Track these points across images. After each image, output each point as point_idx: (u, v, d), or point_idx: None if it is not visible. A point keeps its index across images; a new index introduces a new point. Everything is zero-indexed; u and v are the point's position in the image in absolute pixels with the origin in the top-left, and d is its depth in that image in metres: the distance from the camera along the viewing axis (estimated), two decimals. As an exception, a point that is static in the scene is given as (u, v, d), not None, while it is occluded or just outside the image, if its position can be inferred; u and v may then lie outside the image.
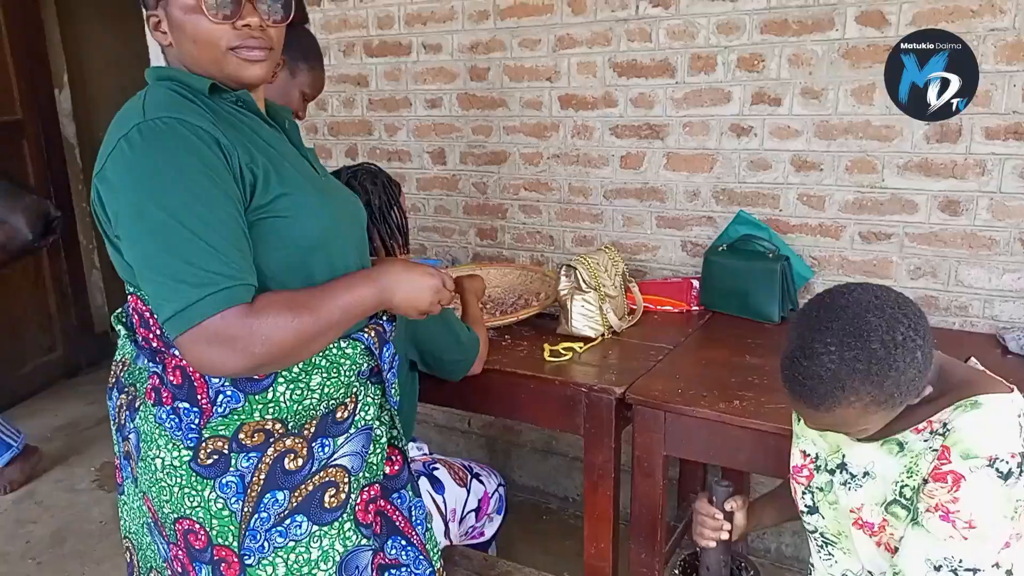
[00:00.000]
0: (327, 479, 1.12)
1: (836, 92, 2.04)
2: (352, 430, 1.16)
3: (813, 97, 2.07)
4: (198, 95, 1.06)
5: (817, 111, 2.08)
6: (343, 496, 1.13)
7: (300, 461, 1.10)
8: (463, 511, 1.76)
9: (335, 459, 1.13)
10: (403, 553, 1.26)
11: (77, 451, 3.29)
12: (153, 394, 1.08)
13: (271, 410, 1.08)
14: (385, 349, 1.20)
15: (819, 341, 0.98)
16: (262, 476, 1.07)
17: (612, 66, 2.32)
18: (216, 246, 0.96)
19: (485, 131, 2.58)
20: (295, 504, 1.09)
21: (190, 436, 1.06)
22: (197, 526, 1.07)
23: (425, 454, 1.78)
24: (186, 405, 1.06)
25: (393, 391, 1.23)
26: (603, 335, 1.98)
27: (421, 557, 1.27)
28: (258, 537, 1.07)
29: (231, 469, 1.06)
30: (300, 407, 1.09)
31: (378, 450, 1.21)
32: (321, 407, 1.12)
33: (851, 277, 2.13)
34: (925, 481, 1.03)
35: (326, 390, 1.12)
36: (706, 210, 2.29)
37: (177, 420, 1.06)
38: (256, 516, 1.07)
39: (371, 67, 2.75)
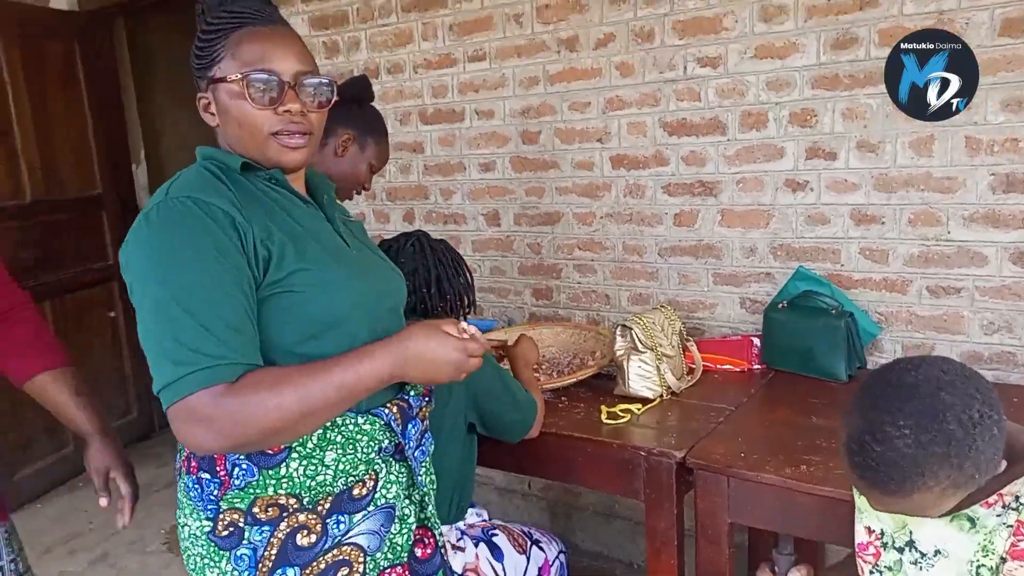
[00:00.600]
0: (341, 557, 1.09)
1: (893, 145, 2.01)
2: (371, 507, 1.13)
3: (869, 150, 2.04)
4: (231, 172, 1.10)
5: (874, 164, 2.04)
6: None
7: (313, 537, 1.08)
8: (522, 580, 1.73)
9: (350, 537, 1.11)
10: None
11: (149, 512, 3.37)
12: (186, 463, 1.12)
13: (284, 485, 1.07)
14: (411, 426, 1.17)
15: (891, 424, 0.94)
16: (274, 551, 1.07)
17: (662, 125, 2.34)
18: (208, 325, 0.96)
19: (538, 192, 2.62)
20: None
21: (209, 507, 1.08)
22: None
23: (484, 520, 1.76)
24: (207, 476, 1.08)
25: (422, 471, 1.20)
26: (661, 396, 1.94)
27: None
28: None
29: (244, 542, 1.07)
30: (314, 483, 1.08)
31: (404, 530, 1.17)
32: (338, 483, 1.10)
33: (921, 333, 2.05)
34: (1003, 560, 0.97)
35: (341, 467, 1.10)
36: (764, 266, 2.25)
37: (200, 490, 1.08)
38: None
39: (426, 134, 2.83)
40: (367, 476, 1.13)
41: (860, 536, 1.18)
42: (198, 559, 1.09)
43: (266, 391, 0.97)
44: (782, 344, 2.10)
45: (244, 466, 1.06)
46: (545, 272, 2.67)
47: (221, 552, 1.07)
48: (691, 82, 2.26)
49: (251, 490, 1.07)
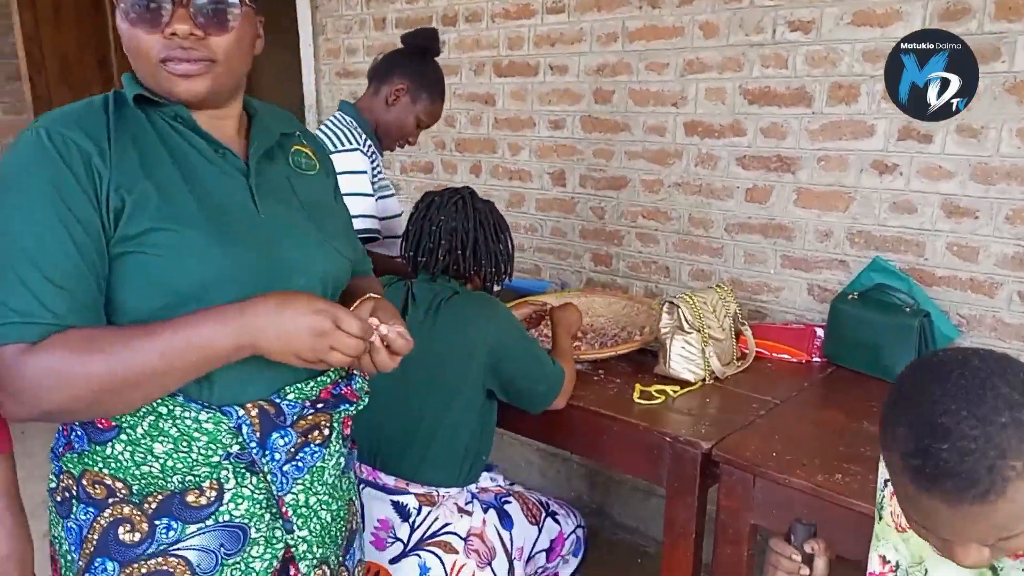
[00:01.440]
0: (164, 568, 0.96)
1: (999, 131, 1.79)
2: (210, 521, 0.97)
3: (971, 135, 1.83)
4: (122, 104, 0.96)
5: (975, 151, 1.83)
6: None
7: (138, 536, 0.96)
8: (532, 550, 1.69)
9: (178, 548, 0.96)
10: None
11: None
12: None
13: (111, 466, 0.96)
14: (276, 435, 0.99)
15: (943, 413, 0.79)
16: (95, 536, 0.96)
17: (743, 93, 2.17)
18: (24, 277, 0.85)
19: (606, 155, 2.51)
20: None
21: (54, 463, 1.00)
22: (57, 556, 1.03)
23: (499, 485, 1.72)
24: (58, 432, 1.01)
25: (291, 496, 1.01)
26: (704, 380, 1.84)
27: None
28: None
29: (72, 515, 0.98)
30: (139, 472, 0.95)
31: (266, 555, 1.01)
32: (171, 482, 0.96)
33: (1006, 343, 1.86)
34: None
35: (170, 463, 0.95)
36: (838, 253, 2.08)
37: (55, 442, 1.02)
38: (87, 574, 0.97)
39: (499, 86, 2.75)
40: (207, 484, 0.97)
41: (873, 565, 1.07)
42: (51, 511, 1.03)
43: (72, 354, 0.85)
44: (847, 338, 1.95)
45: (79, 432, 0.97)
46: (606, 238, 2.57)
47: (58, 516, 1.00)
48: (779, 47, 2.09)
49: (84, 459, 0.97)
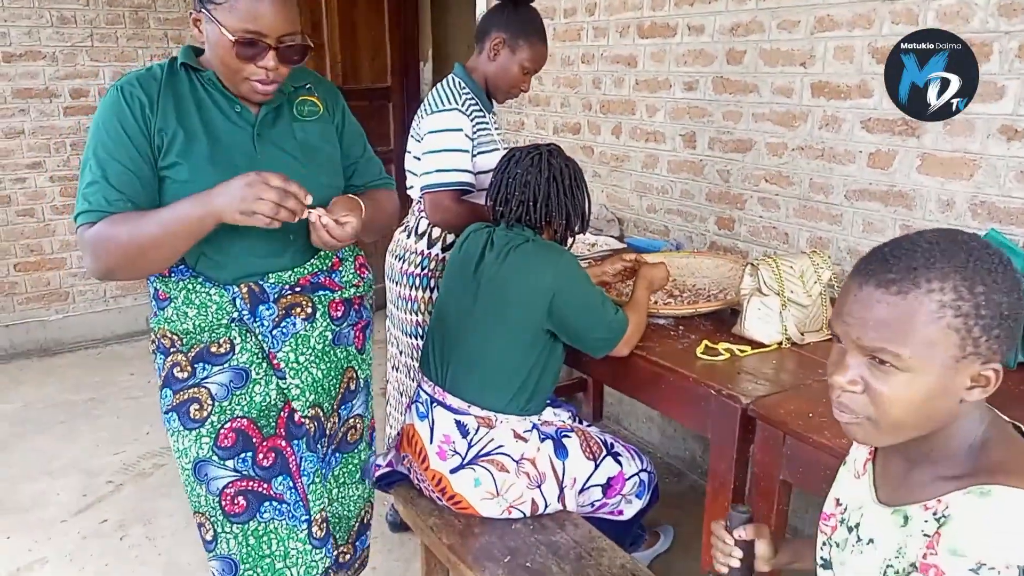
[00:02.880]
0: (195, 395, 1.41)
1: None
2: (226, 365, 1.42)
3: (1114, 97, 1.63)
4: (174, 68, 1.37)
5: (1118, 115, 1.63)
6: (204, 414, 1.41)
7: (184, 374, 1.42)
8: (585, 483, 1.83)
9: (206, 381, 1.41)
10: (288, 492, 1.47)
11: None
12: None
13: (168, 324, 1.42)
14: (262, 307, 1.41)
15: (916, 235, 0.86)
16: (163, 373, 1.45)
17: (871, 51, 2.06)
18: (97, 179, 1.29)
19: (735, 117, 2.49)
20: (175, 404, 1.42)
21: (151, 325, 1.47)
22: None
23: (563, 421, 1.87)
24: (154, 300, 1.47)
25: (283, 353, 1.42)
26: (780, 343, 1.84)
27: (301, 502, 1.47)
28: (163, 413, 1.45)
29: (156, 358, 1.46)
30: (182, 328, 1.41)
31: (264, 392, 1.43)
32: (202, 337, 1.41)
33: None
34: (914, 567, 0.87)
35: (198, 323, 1.41)
36: (959, 224, 1.94)
37: (150, 313, 1.49)
38: (161, 400, 1.45)
39: (640, 48, 2.80)
40: (223, 339, 1.42)
41: (828, 505, 1.10)
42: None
43: (109, 226, 1.28)
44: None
45: (153, 304, 1.45)
46: (731, 201, 2.56)
47: (153, 359, 1.49)
48: (911, 2, 1.96)
49: (158, 320, 1.45)
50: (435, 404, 1.82)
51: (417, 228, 2.17)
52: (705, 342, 1.84)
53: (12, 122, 3.82)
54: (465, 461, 1.75)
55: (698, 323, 2.00)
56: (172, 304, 1.41)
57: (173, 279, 1.41)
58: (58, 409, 3.40)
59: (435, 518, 1.81)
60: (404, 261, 2.18)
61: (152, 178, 1.33)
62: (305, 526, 1.49)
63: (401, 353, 2.27)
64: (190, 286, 1.41)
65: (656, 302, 2.04)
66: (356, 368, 1.63)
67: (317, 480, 1.51)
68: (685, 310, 2.00)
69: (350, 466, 1.68)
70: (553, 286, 1.70)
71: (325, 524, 1.53)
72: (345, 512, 1.70)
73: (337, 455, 1.64)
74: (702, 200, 2.66)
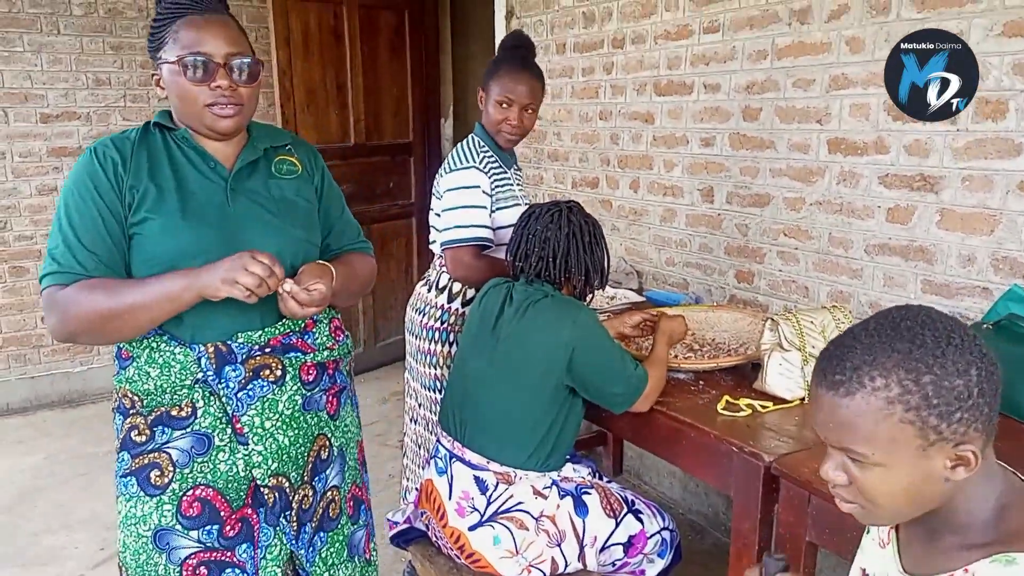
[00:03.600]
0: (156, 460, 1.36)
1: None
2: (188, 430, 1.36)
3: None
4: (149, 129, 1.39)
5: None
6: (165, 480, 1.35)
7: (142, 438, 1.37)
8: (606, 541, 1.80)
9: (167, 446, 1.36)
10: (249, 563, 1.41)
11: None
12: None
13: (129, 384, 1.37)
14: (228, 368, 1.35)
15: (868, 324, 0.86)
16: (121, 436, 1.40)
17: (886, 109, 2.09)
18: (68, 242, 1.29)
19: (752, 172, 2.51)
20: (133, 468, 1.37)
21: (114, 382, 1.43)
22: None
23: (583, 477, 1.85)
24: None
25: (247, 418, 1.36)
26: (802, 399, 1.82)
27: (252, 574, 1.41)
28: (118, 477, 1.39)
29: (114, 420, 1.43)
30: (143, 389, 1.36)
31: (219, 458, 1.37)
32: (164, 398, 1.36)
33: None
34: None
35: (159, 383, 1.35)
36: (982, 279, 1.93)
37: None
38: (117, 463, 1.40)
39: (658, 105, 2.85)
40: (185, 402, 1.36)
41: (854, 574, 1.08)
42: None
43: (85, 292, 1.28)
44: (979, 372, 1.81)
45: (116, 362, 1.41)
46: (749, 255, 2.57)
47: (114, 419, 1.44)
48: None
49: (119, 378, 1.40)
50: (454, 459, 1.81)
51: (438, 283, 2.20)
52: (726, 397, 1.83)
53: (46, 179, 3.93)
54: (484, 518, 1.74)
55: (719, 378, 1.99)
56: (134, 363, 1.37)
57: (137, 338, 1.37)
58: (79, 461, 3.42)
59: (454, 576, 1.79)
60: (424, 315, 2.20)
61: (122, 238, 1.33)
62: None
63: (420, 406, 2.27)
64: (154, 344, 1.36)
65: (676, 356, 2.03)
66: (328, 435, 1.52)
67: (269, 558, 1.42)
68: (706, 364, 1.99)
69: (336, 544, 1.55)
70: (572, 341, 1.70)
71: None
72: None
73: (321, 535, 1.52)
74: (721, 253, 2.67)
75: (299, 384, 1.45)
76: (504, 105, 2.13)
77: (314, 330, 1.49)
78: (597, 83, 3.14)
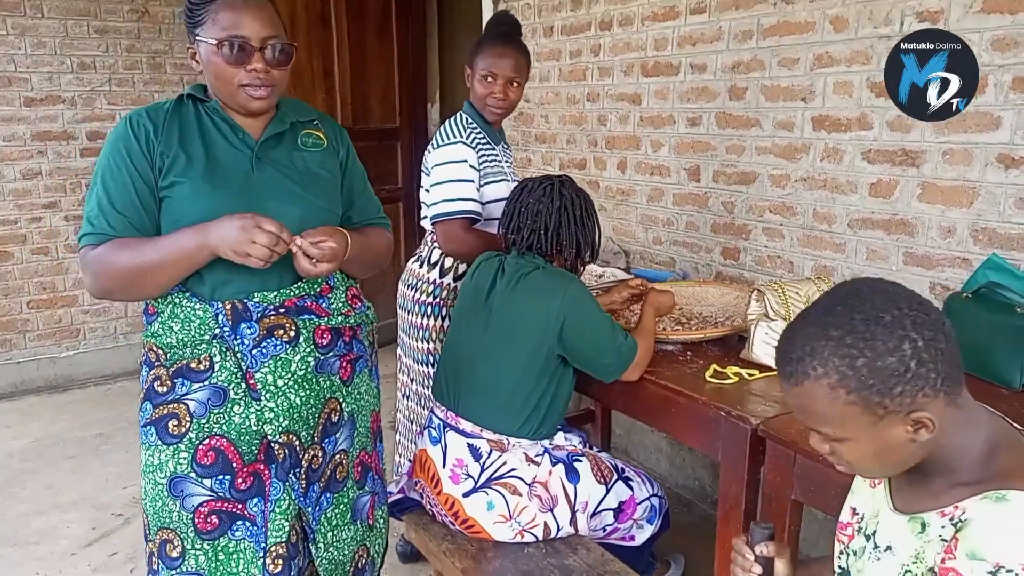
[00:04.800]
0: (174, 411, 1.42)
1: None
2: (206, 383, 1.43)
3: (1106, 124, 1.68)
4: (182, 100, 1.47)
5: (1111, 141, 1.68)
6: (182, 430, 1.42)
7: (164, 388, 1.43)
8: (597, 507, 1.84)
9: (185, 397, 1.42)
10: (260, 516, 1.47)
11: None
12: None
13: (154, 338, 1.45)
14: (244, 325, 1.41)
15: (812, 309, 0.93)
16: (145, 386, 1.47)
17: (870, 86, 2.13)
18: (101, 204, 1.38)
19: (738, 150, 2.55)
20: (153, 418, 1.43)
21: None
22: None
23: (574, 446, 1.89)
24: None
25: (260, 374, 1.41)
26: (788, 368, 1.86)
27: (262, 527, 1.46)
28: (140, 427, 1.47)
29: (141, 373, 1.50)
30: (167, 342, 1.43)
31: (233, 411, 1.43)
32: (185, 352, 1.42)
33: None
34: (933, 572, 0.89)
35: (181, 337, 1.42)
36: (961, 250, 1.98)
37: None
38: (140, 412, 1.47)
39: (645, 86, 2.89)
40: (203, 356, 1.43)
41: (844, 515, 1.12)
42: None
43: (111, 250, 1.36)
44: (958, 339, 1.86)
45: (144, 318, 1.49)
46: (735, 232, 2.61)
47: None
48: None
49: (146, 333, 1.48)
50: (448, 429, 1.84)
51: (430, 258, 2.22)
52: (714, 366, 1.87)
53: (30, 164, 3.91)
54: (478, 484, 1.77)
55: (706, 349, 2.03)
56: (159, 318, 1.44)
57: (162, 295, 1.45)
58: (68, 444, 3.41)
59: (448, 543, 1.82)
60: (416, 290, 2.23)
61: (153, 203, 1.41)
62: (262, 554, 1.47)
63: (412, 381, 2.30)
64: (176, 300, 1.43)
65: (665, 328, 2.07)
66: (340, 400, 1.56)
67: (278, 511, 1.46)
68: (694, 335, 2.03)
69: (340, 506, 1.59)
70: (563, 312, 1.73)
71: (280, 561, 1.47)
72: (340, 556, 1.61)
73: (327, 495, 1.56)
74: (707, 231, 2.71)
75: (312, 347, 1.49)
76: (489, 79, 2.16)
77: (330, 295, 1.54)
78: (584, 65, 3.17)
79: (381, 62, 4.42)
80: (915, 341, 0.86)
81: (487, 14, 3.70)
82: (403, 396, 2.36)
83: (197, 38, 1.40)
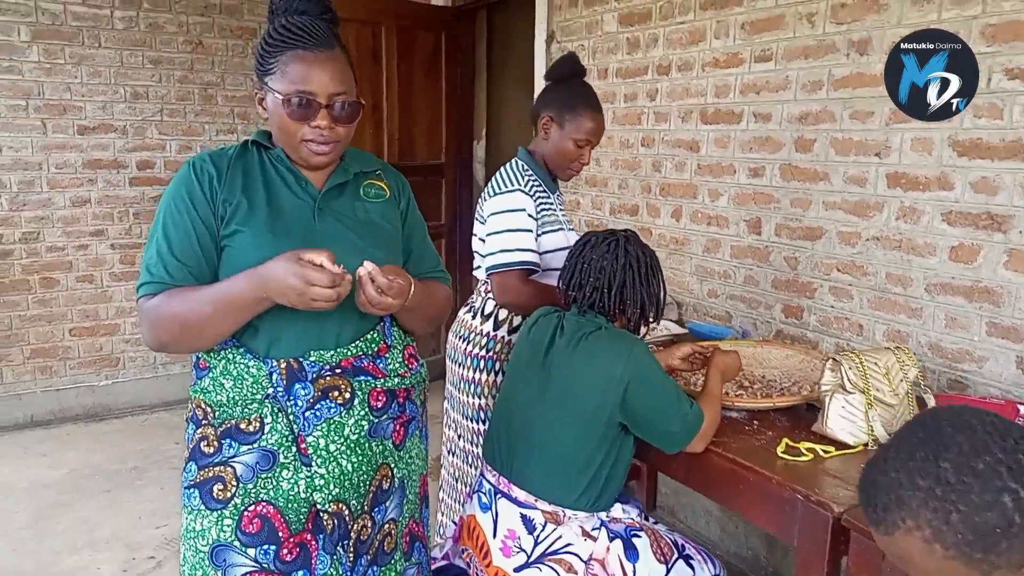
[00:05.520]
0: (220, 474, 1.34)
1: None
2: (255, 445, 1.35)
3: None
4: (246, 145, 1.43)
5: None
6: (228, 495, 1.33)
7: (211, 449, 1.36)
8: (657, 587, 1.72)
9: (233, 460, 1.34)
10: None
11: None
12: None
13: (204, 395, 1.38)
14: (298, 386, 1.34)
15: (891, 447, 0.85)
16: (191, 446, 1.39)
17: (952, 144, 2.02)
18: (161, 251, 1.32)
19: (803, 204, 2.44)
20: (198, 480, 1.35)
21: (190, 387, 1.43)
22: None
23: (632, 518, 1.77)
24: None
25: (312, 438, 1.34)
26: (866, 444, 1.74)
27: None
28: (183, 488, 1.39)
29: (187, 429, 1.42)
30: (216, 400, 1.36)
31: (282, 476, 1.34)
32: (235, 411, 1.35)
33: None
34: None
35: (233, 395, 1.35)
36: (1054, 324, 1.85)
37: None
38: (184, 473, 1.39)
39: (704, 133, 2.80)
40: (254, 416, 1.35)
41: None
42: None
43: (166, 300, 1.30)
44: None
45: (194, 371, 1.41)
46: (799, 289, 2.49)
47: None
48: (993, 96, 1.92)
49: (195, 388, 1.41)
50: (499, 495, 1.74)
51: (483, 309, 2.14)
52: (786, 440, 1.75)
53: (80, 191, 3.93)
54: (531, 559, 1.66)
55: (773, 418, 1.91)
56: (210, 374, 1.38)
57: (215, 348, 1.39)
58: (103, 477, 3.37)
59: (496, 619, 1.71)
60: (468, 342, 2.14)
61: (214, 250, 1.36)
62: None
63: (460, 437, 2.20)
64: (229, 356, 1.37)
65: (728, 393, 1.96)
66: (391, 466, 1.49)
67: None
68: (761, 404, 1.91)
69: None
70: (626, 376, 1.64)
71: None
72: None
73: (375, 568, 1.48)
74: (768, 287, 2.60)
75: (367, 409, 1.42)
76: (582, 145, 2.10)
77: (387, 355, 1.47)
78: (640, 110, 3.10)
79: (429, 99, 4.41)
80: (1015, 492, 0.77)
81: (539, 55, 3.66)
82: (448, 452, 2.27)
83: (266, 86, 1.36)
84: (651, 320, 1.82)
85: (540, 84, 3.71)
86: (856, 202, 2.28)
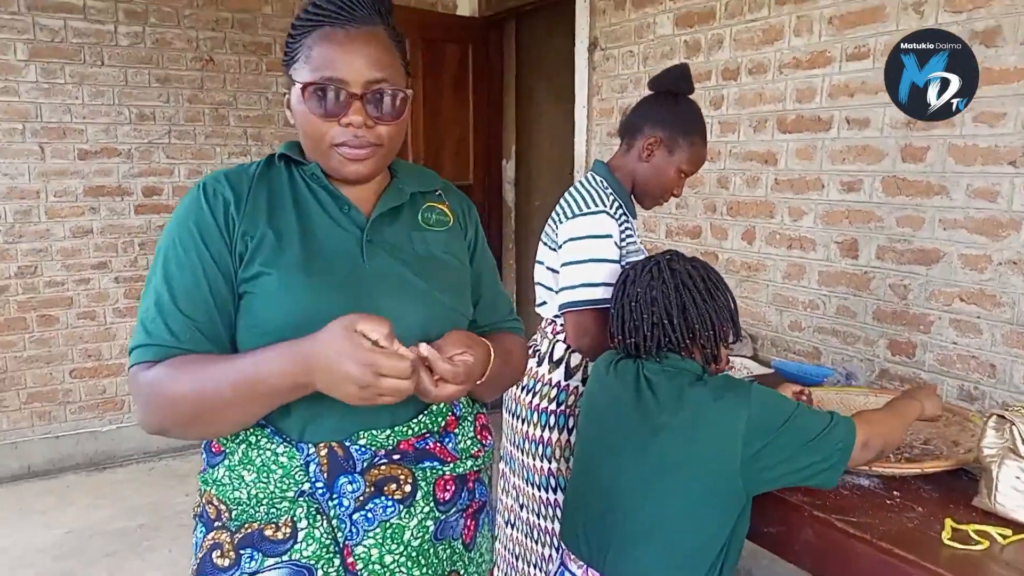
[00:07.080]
0: None
1: None
2: (285, 558, 1.00)
3: None
4: (275, 162, 1.10)
5: None
6: None
7: (227, 562, 1.02)
8: None
9: None
10: None
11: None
12: None
13: (216, 488, 1.04)
14: (343, 478, 1.01)
15: None
16: (200, 555, 1.05)
17: (1116, 148, 1.68)
18: (160, 303, 0.99)
19: (914, 223, 2.09)
20: None
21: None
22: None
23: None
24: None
25: (362, 549, 1.01)
26: (1049, 525, 1.38)
27: None
28: None
29: (195, 532, 1.09)
30: (233, 497, 1.02)
31: None
32: (258, 512, 1.01)
33: None
34: None
35: (255, 491, 1.01)
36: None
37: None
38: None
39: (781, 144, 2.46)
40: (283, 520, 1.01)
41: None
42: None
43: (172, 373, 0.95)
44: None
45: (204, 455, 1.08)
46: (909, 322, 2.13)
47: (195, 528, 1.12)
48: None
49: (205, 479, 1.06)
50: (590, 596, 1.38)
51: (551, 354, 1.79)
52: (949, 522, 1.39)
53: (81, 221, 3.63)
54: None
55: (917, 488, 1.55)
56: (226, 462, 1.04)
57: None
58: (107, 538, 3.02)
59: None
60: (534, 394, 1.79)
61: (230, 300, 1.02)
62: None
63: (522, 508, 1.84)
64: (252, 440, 1.04)
65: (858, 457, 1.60)
66: (461, 572, 1.15)
67: None
68: (906, 469, 1.55)
69: None
70: (750, 425, 1.29)
71: None
72: None
73: None
74: (868, 319, 2.24)
75: (433, 504, 1.08)
76: (684, 175, 1.77)
77: (456, 431, 1.12)
78: (701, 120, 2.76)
79: (456, 117, 4.11)
80: None
81: (581, 64, 3.35)
82: (506, 523, 1.91)
83: (290, 79, 1.04)
84: (730, 339, 1.48)
85: (581, 96, 3.40)
86: (984, 219, 1.93)
